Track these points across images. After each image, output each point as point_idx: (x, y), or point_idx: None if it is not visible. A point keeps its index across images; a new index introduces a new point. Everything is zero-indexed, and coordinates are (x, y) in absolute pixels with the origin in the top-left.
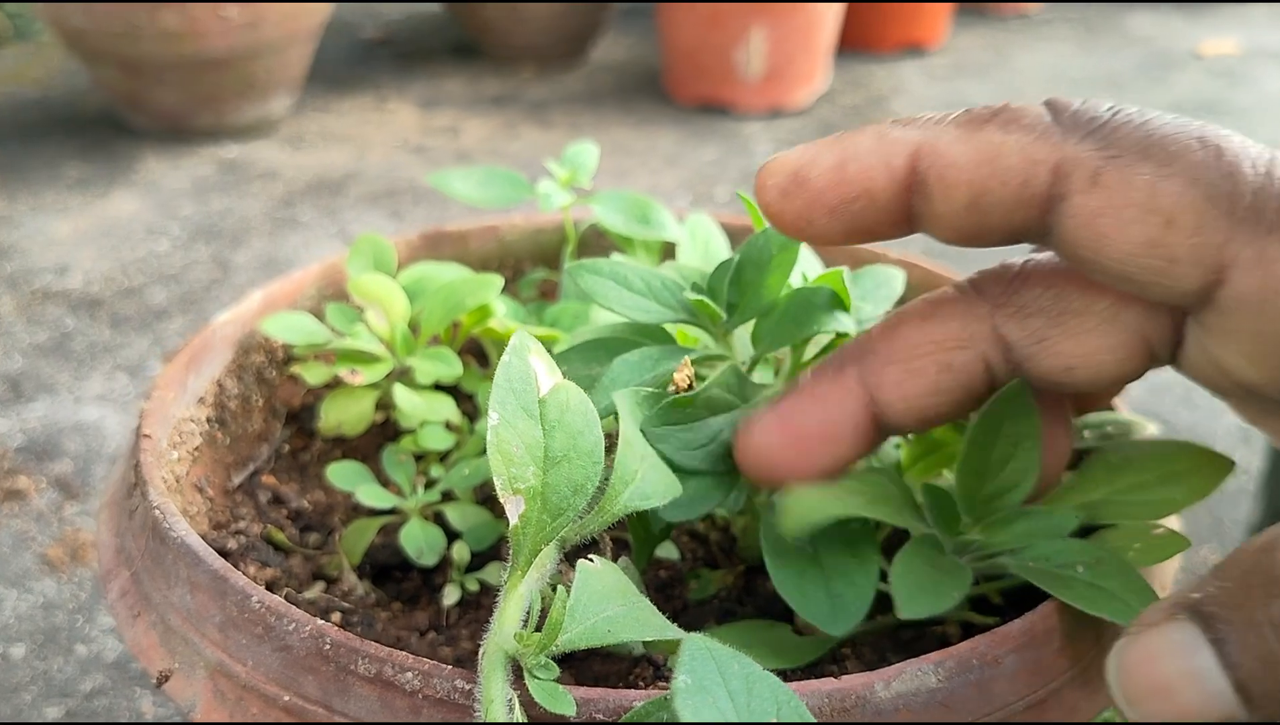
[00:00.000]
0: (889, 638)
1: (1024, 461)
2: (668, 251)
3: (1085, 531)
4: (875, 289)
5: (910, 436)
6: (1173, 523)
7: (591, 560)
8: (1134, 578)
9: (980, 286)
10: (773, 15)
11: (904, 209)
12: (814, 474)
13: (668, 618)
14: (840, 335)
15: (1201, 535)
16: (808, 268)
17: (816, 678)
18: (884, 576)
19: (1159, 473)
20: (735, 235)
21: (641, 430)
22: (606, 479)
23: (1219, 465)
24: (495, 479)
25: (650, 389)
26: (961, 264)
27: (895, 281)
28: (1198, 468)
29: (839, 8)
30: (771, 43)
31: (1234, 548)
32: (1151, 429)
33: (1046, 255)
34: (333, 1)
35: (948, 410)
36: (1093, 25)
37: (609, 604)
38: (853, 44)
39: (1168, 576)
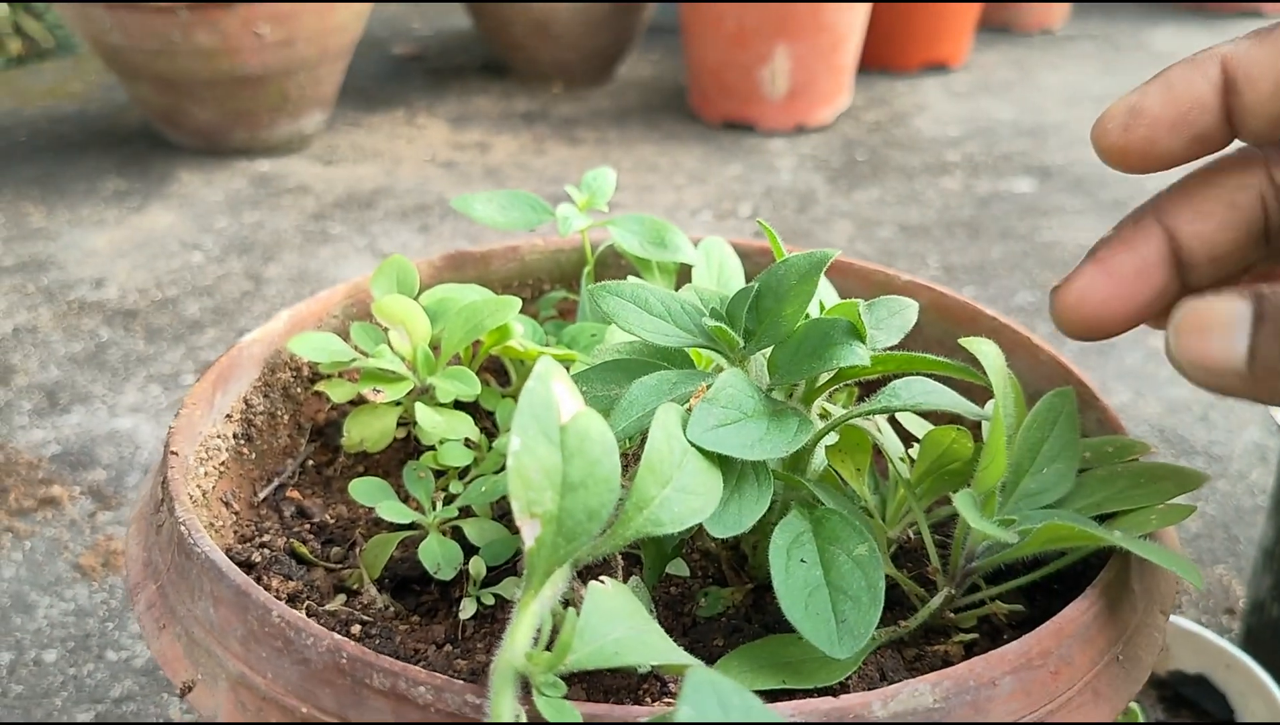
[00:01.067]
0: (891, 654)
1: (1066, 466)
2: (683, 272)
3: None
4: (888, 318)
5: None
6: (1173, 542)
7: (603, 582)
8: (1166, 548)
9: (1255, 148)
10: (797, 35)
11: (1225, 110)
12: (1136, 311)
13: (677, 633)
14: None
15: (1217, 554)
16: (824, 296)
17: (816, 695)
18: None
19: (1145, 477)
20: (748, 257)
21: (691, 441)
22: (623, 501)
23: (1193, 475)
24: (513, 502)
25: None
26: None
27: (909, 311)
28: (1175, 475)
29: (862, 27)
30: (795, 61)
31: (1248, 565)
32: (1151, 450)
33: None
34: (366, 2)
35: (1234, 246)
36: (1116, 42)
37: (617, 626)
38: (876, 62)
39: (1168, 600)
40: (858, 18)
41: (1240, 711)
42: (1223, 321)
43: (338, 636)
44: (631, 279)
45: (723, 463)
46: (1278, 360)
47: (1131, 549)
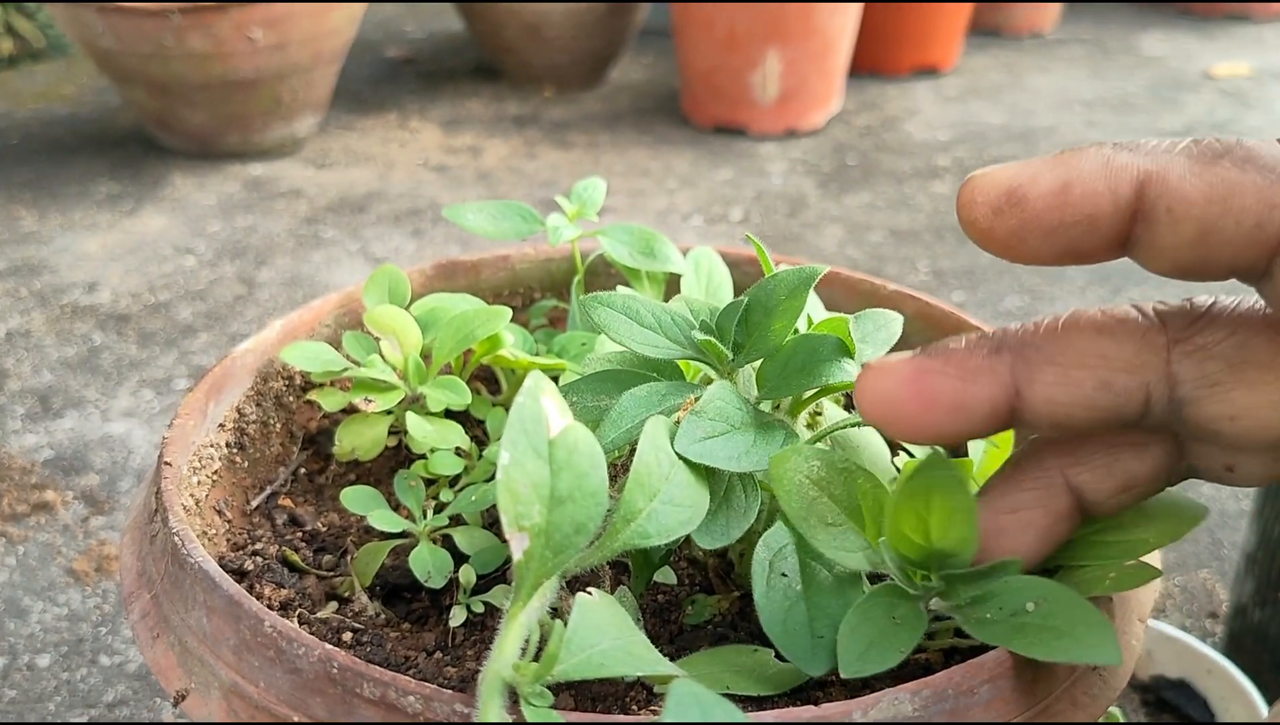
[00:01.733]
0: None
1: (961, 532)
2: (672, 281)
3: (1054, 571)
4: (875, 332)
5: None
6: (1154, 559)
7: (590, 593)
8: (1082, 608)
9: (1164, 317)
10: (788, 38)
11: (1123, 236)
12: (928, 434)
13: (664, 641)
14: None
15: (1201, 558)
16: (810, 308)
17: (799, 703)
18: None
19: (1132, 515)
20: (737, 266)
21: (678, 453)
22: (611, 513)
23: (1191, 511)
24: (502, 516)
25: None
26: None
27: (894, 324)
28: (1171, 512)
29: (853, 31)
30: (786, 65)
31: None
32: None
33: (1233, 300)
34: (359, 2)
35: (1086, 426)
36: (1106, 46)
37: (603, 637)
38: (866, 66)
39: (1145, 607)
40: (848, 21)
41: (1221, 715)
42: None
43: (329, 646)
44: (621, 288)
45: (711, 474)
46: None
47: (1031, 655)
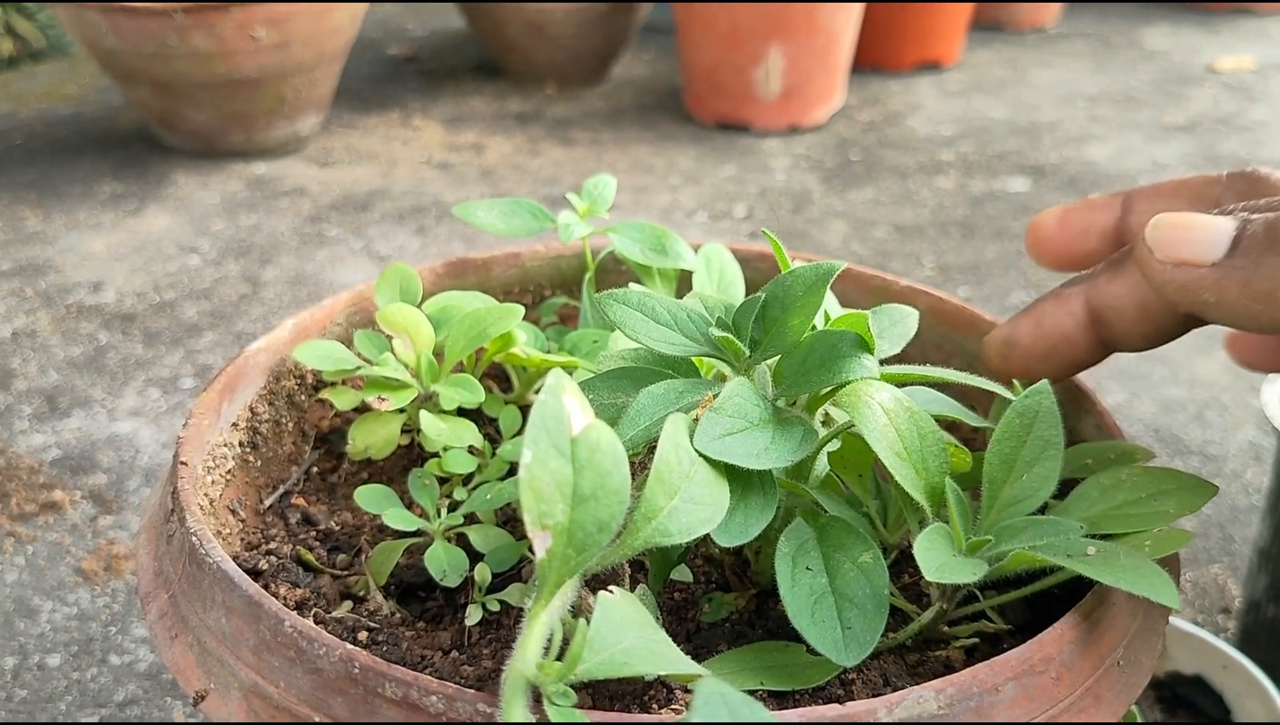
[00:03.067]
0: (894, 660)
1: (1047, 468)
2: (683, 278)
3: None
4: (890, 327)
5: None
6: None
7: (611, 591)
8: (1144, 558)
9: (1230, 175)
10: (790, 35)
11: (1095, 339)
12: (1065, 255)
13: (681, 639)
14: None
15: (1212, 553)
16: (825, 304)
17: (823, 701)
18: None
19: (1150, 490)
20: (747, 262)
21: (698, 451)
22: (631, 511)
23: (1204, 487)
24: (525, 515)
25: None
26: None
27: (910, 319)
28: (1185, 487)
29: (855, 26)
30: (789, 61)
31: (1244, 564)
32: (1152, 457)
33: None
34: (364, 2)
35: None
36: (1109, 41)
37: (626, 636)
38: (869, 62)
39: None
40: (851, 17)
41: (1237, 712)
42: (1207, 227)
43: (350, 646)
44: (634, 286)
45: (729, 471)
46: (1252, 268)
47: (1099, 579)
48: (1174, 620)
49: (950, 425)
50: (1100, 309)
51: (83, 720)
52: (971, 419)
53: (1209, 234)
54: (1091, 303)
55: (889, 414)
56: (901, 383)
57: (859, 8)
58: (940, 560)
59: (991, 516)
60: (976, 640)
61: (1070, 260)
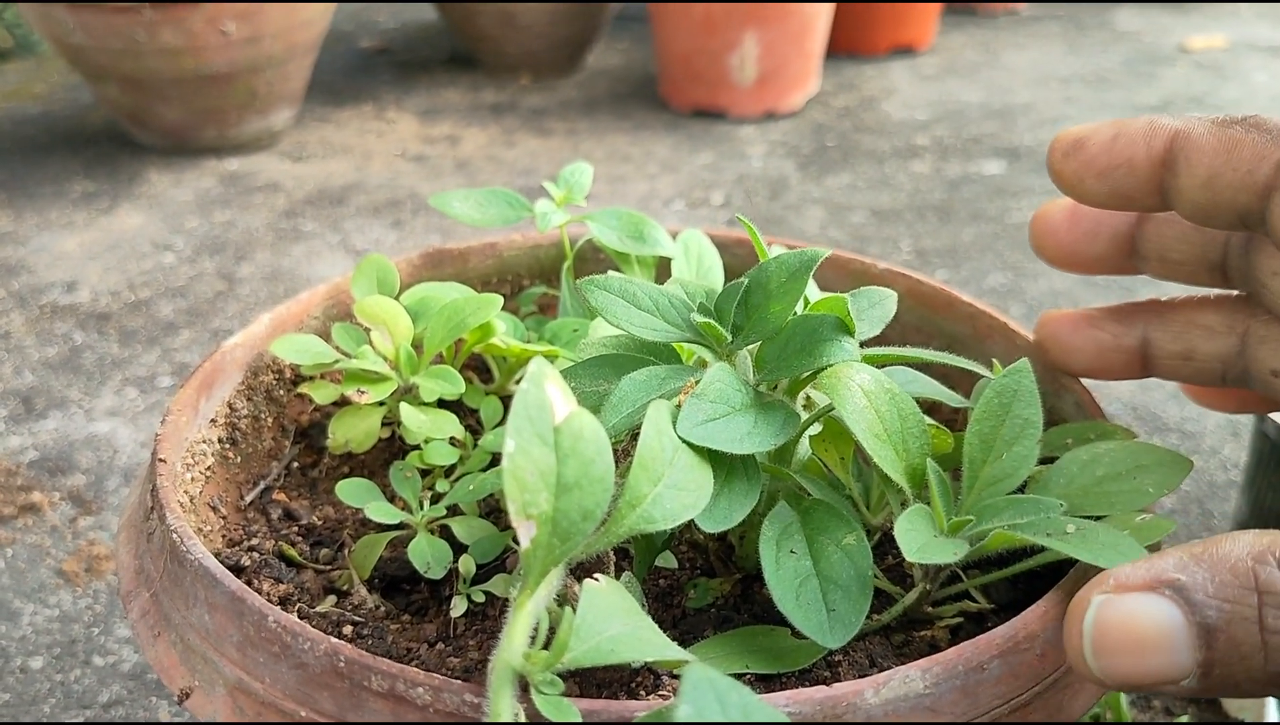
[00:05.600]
0: (879, 641)
1: (1026, 448)
2: (662, 265)
3: (1068, 564)
4: (869, 309)
5: None
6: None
7: (596, 579)
8: (1122, 536)
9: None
10: (765, 20)
11: (1157, 182)
12: (1073, 255)
13: (668, 626)
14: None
15: (1192, 529)
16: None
17: (809, 683)
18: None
19: (1129, 465)
20: (725, 248)
21: (681, 437)
22: (616, 499)
23: (1180, 462)
24: (509, 504)
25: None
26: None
27: (889, 301)
28: (1162, 462)
29: (829, 11)
30: (764, 47)
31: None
32: (1134, 437)
33: None
34: (333, 1)
35: (1181, 260)
36: (1081, 22)
37: (613, 623)
38: (844, 47)
39: None
40: (825, 3)
41: None
42: (1157, 640)
43: (335, 640)
44: (612, 273)
45: (712, 457)
46: (1243, 670)
47: (1078, 557)
48: None
49: (932, 407)
50: (1179, 155)
51: (67, 720)
52: (953, 400)
53: (1168, 655)
54: (1176, 144)
55: (869, 396)
56: (882, 363)
57: None
58: (921, 541)
59: (972, 496)
60: (961, 620)
61: (1075, 262)
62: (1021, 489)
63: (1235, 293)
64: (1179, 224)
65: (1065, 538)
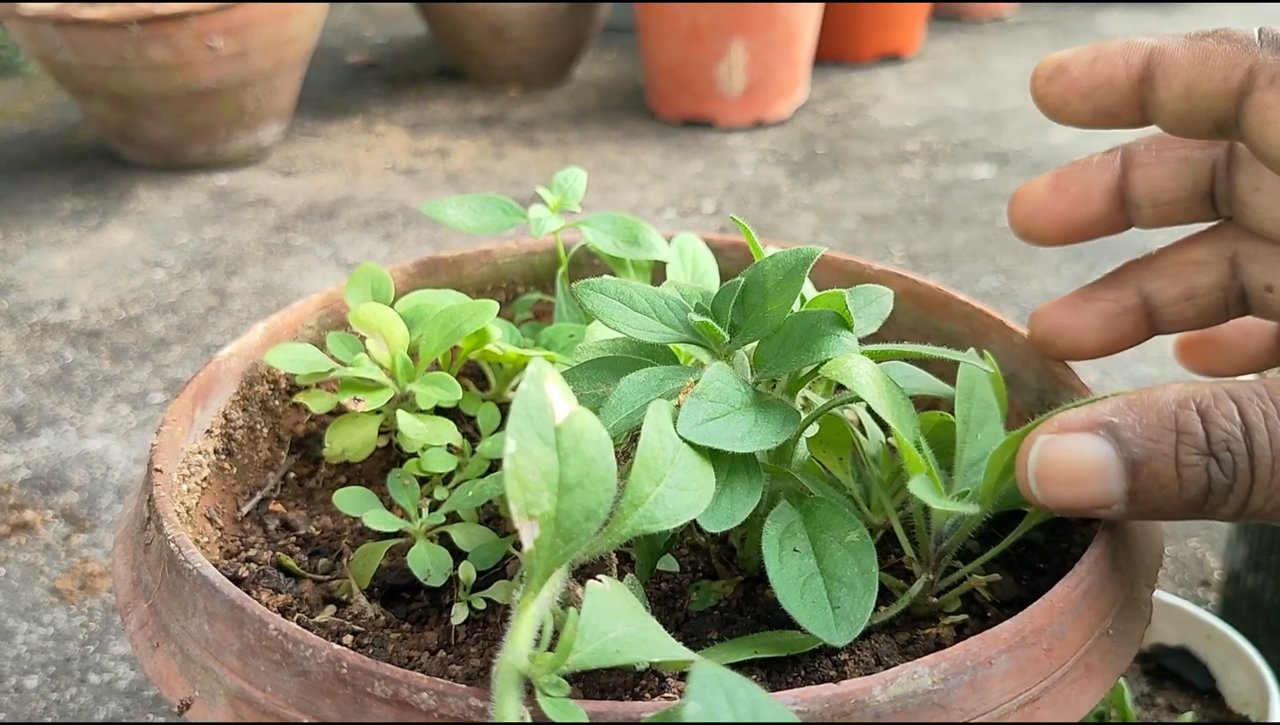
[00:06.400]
0: (885, 639)
1: (993, 427)
2: (657, 270)
3: None
4: (866, 307)
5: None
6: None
7: (600, 580)
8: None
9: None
10: (752, 30)
11: (1138, 98)
12: (1064, 226)
13: (671, 628)
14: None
15: (1190, 527)
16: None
17: (816, 681)
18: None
19: None
20: (719, 252)
21: (682, 436)
22: (618, 499)
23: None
24: (511, 505)
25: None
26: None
27: (885, 298)
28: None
29: (816, 20)
30: (751, 56)
31: (1221, 537)
32: None
33: None
34: (321, 1)
35: (1173, 200)
36: (1066, 27)
37: (618, 624)
38: (831, 54)
39: (1153, 574)
40: (811, 11)
41: (1223, 680)
42: (1090, 472)
43: (337, 646)
44: (605, 277)
45: (713, 456)
46: (1162, 498)
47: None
48: (1157, 592)
49: (932, 403)
50: (1156, 69)
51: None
52: (949, 395)
53: (1099, 484)
54: (1153, 59)
55: (871, 380)
56: (880, 359)
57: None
58: (935, 496)
59: (960, 478)
60: (966, 617)
61: (1072, 230)
62: None
63: (1215, 223)
64: (1165, 164)
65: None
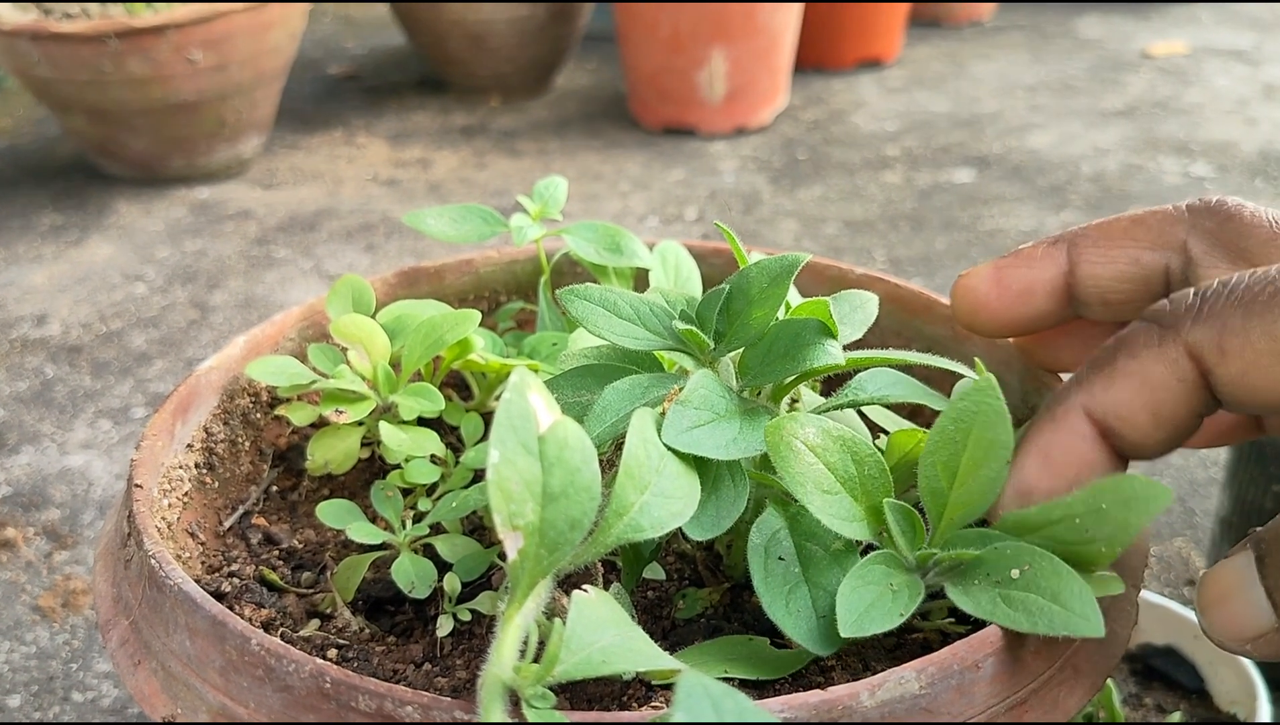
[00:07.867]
0: (872, 644)
1: (994, 469)
2: (639, 277)
3: None
4: (851, 313)
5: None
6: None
7: (585, 590)
8: (1066, 576)
9: (1192, 210)
10: (732, 37)
11: (1112, 456)
12: (1013, 322)
13: (657, 637)
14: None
15: (1175, 527)
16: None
17: (803, 688)
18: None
19: (1104, 503)
20: (702, 259)
21: (666, 444)
22: (603, 508)
23: (1159, 494)
24: (495, 515)
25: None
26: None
27: (870, 305)
28: (1133, 501)
29: (796, 27)
30: (732, 64)
31: (1206, 537)
32: None
33: (1253, 205)
34: (299, 21)
35: (1127, 296)
36: (1044, 31)
37: (604, 634)
38: (811, 61)
39: (1139, 574)
40: (791, 18)
41: (1210, 680)
42: (1235, 580)
43: (320, 661)
44: (592, 285)
45: (698, 464)
46: None
47: (1015, 628)
48: (1144, 592)
49: (914, 412)
50: (1106, 421)
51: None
52: (936, 402)
53: (1246, 596)
54: (1095, 416)
55: (816, 451)
56: (865, 367)
57: (799, 8)
58: (864, 605)
59: (940, 531)
60: (952, 620)
61: (1014, 325)
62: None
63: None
64: (1114, 264)
65: (1010, 601)
